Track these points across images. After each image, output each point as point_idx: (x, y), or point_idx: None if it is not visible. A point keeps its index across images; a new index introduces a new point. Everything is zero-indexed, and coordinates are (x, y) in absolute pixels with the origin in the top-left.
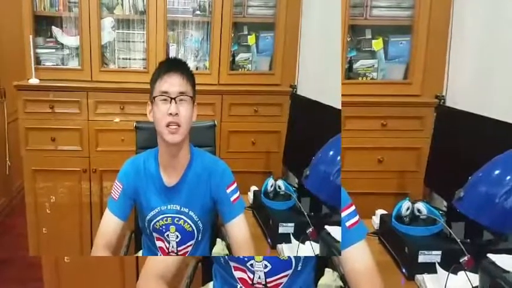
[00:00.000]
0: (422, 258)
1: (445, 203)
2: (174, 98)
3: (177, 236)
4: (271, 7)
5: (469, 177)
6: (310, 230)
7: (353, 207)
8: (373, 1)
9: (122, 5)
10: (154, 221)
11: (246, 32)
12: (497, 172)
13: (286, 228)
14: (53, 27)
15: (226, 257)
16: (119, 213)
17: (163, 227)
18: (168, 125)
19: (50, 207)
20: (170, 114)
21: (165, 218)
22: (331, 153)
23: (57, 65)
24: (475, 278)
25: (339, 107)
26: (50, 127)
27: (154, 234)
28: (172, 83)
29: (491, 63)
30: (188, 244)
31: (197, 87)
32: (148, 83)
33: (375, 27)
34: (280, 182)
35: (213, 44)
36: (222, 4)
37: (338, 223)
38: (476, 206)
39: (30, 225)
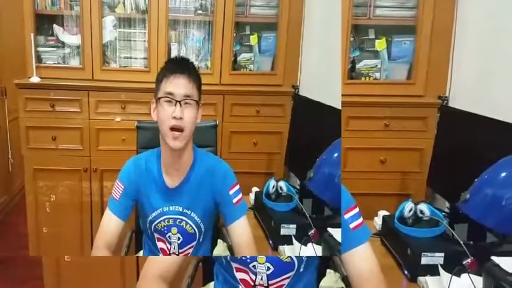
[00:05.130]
0: (425, 260)
1: (447, 204)
2: (179, 101)
3: (179, 238)
4: (274, 7)
5: (475, 180)
6: (312, 231)
7: (357, 209)
8: (376, 1)
9: (124, 3)
10: (156, 222)
11: (248, 32)
12: (503, 174)
13: (288, 229)
14: (54, 25)
15: (228, 257)
16: (119, 214)
17: (165, 228)
18: (171, 129)
19: (50, 207)
20: (174, 117)
21: (167, 219)
22: (335, 155)
23: (58, 63)
24: (478, 281)
25: (339, 107)
26: (51, 126)
27: (156, 235)
28: (178, 85)
29: (495, 64)
30: (190, 246)
31: None
32: (150, 82)
33: (378, 27)
34: (282, 183)
35: (214, 43)
36: (224, 4)
37: (341, 225)
38: (482, 209)
39: (31, 225)
